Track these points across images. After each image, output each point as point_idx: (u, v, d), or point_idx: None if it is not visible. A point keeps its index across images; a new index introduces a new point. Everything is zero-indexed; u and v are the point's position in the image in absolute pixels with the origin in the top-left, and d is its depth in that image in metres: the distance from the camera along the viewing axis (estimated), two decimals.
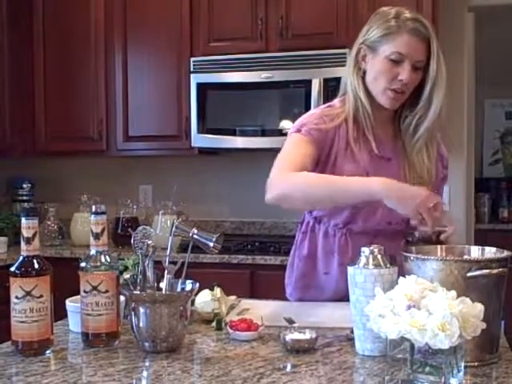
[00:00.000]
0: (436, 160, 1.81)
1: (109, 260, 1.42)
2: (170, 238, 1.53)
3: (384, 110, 1.76)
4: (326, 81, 3.09)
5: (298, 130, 1.73)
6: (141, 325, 1.35)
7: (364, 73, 1.74)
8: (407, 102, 1.76)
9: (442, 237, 1.57)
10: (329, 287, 1.81)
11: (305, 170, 1.64)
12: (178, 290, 1.45)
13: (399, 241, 1.76)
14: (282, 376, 1.20)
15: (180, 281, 1.46)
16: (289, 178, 1.64)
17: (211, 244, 1.57)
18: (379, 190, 1.54)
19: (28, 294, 1.32)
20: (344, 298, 1.63)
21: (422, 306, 1.11)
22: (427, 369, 1.11)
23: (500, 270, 1.26)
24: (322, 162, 1.73)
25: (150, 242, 1.45)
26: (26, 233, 1.35)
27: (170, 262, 1.47)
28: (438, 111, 1.71)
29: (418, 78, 1.70)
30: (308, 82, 3.13)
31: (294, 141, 1.72)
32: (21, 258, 1.35)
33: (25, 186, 3.83)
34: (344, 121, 1.75)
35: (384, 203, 1.55)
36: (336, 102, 1.83)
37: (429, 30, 1.68)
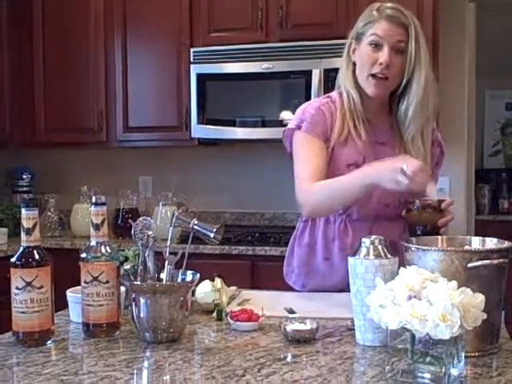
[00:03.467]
0: (434, 146, 1.86)
1: (109, 251, 1.42)
2: (171, 228, 1.53)
3: (374, 99, 1.79)
4: (326, 71, 3.08)
5: (299, 127, 1.80)
6: (141, 315, 1.35)
7: (354, 65, 1.80)
8: (397, 91, 1.79)
9: (443, 205, 1.63)
10: (329, 273, 1.83)
11: (321, 173, 1.74)
12: (179, 280, 1.45)
13: (400, 226, 1.79)
14: (282, 366, 1.21)
15: (180, 271, 1.47)
16: (310, 196, 1.75)
17: (212, 235, 1.57)
18: (372, 178, 1.62)
19: (29, 284, 1.32)
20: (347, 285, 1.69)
21: (423, 297, 1.11)
22: (428, 359, 1.11)
23: (501, 260, 1.26)
24: (329, 142, 1.79)
25: (150, 233, 1.45)
26: (26, 223, 1.35)
27: (170, 253, 1.47)
28: (422, 93, 1.73)
29: (399, 63, 1.72)
30: (308, 73, 3.12)
31: (301, 142, 1.80)
32: (21, 248, 1.35)
33: (25, 176, 3.82)
34: (340, 110, 1.81)
35: (382, 187, 1.61)
36: (334, 93, 1.87)
37: (407, 17, 1.71)
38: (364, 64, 1.75)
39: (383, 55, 1.70)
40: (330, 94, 1.89)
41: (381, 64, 1.71)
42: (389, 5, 1.74)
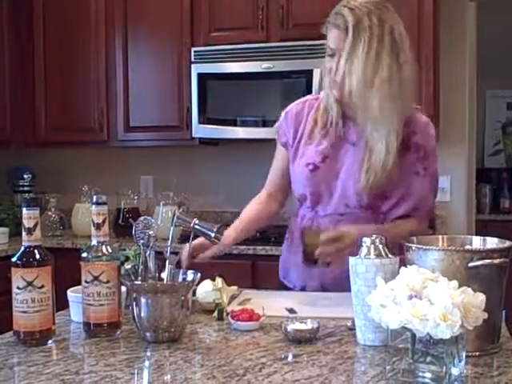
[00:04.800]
0: (410, 151, 1.77)
1: (110, 250, 1.42)
2: (171, 228, 1.53)
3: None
4: None
5: (276, 133, 1.97)
6: (142, 315, 1.35)
7: None
8: None
9: (322, 236, 1.65)
10: (305, 270, 1.84)
11: (272, 188, 1.99)
12: (180, 280, 1.45)
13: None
14: (283, 366, 1.21)
15: (181, 271, 1.47)
16: None
17: (212, 234, 1.57)
18: None
19: (29, 284, 1.33)
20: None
21: (424, 296, 1.11)
22: (428, 359, 1.11)
23: (501, 260, 1.26)
24: (290, 147, 1.90)
25: (151, 233, 1.45)
26: (27, 223, 1.35)
27: (171, 253, 1.47)
28: (358, 95, 1.70)
29: (342, 68, 1.72)
30: (309, 72, 3.12)
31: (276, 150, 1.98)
32: (22, 248, 1.35)
33: (26, 176, 3.82)
34: (316, 109, 1.87)
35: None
36: (323, 91, 1.90)
37: (348, 23, 1.68)
38: (326, 69, 1.78)
39: (334, 64, 1.73)
40: (322, 91, 1.90)
41: (333, 71, 1.74)
42: (339, 9, 1.72)
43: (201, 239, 1.74)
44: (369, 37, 1.67)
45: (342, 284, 1.54)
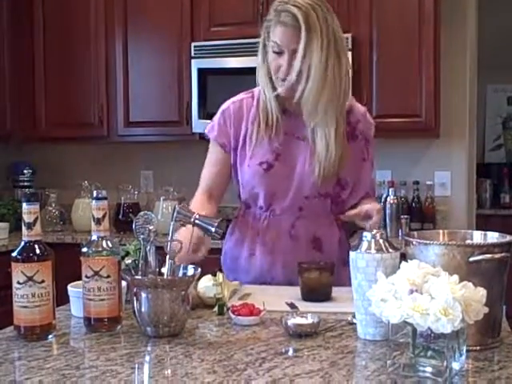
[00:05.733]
0: (357, 139, 1.85)
1: (110, 245, 1.42)
2: (172, 223, 1.52)
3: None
4: None
5: (209, 132, 1.92)
6: (143, 310, 1.35)
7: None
8: None
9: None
10: (254, 269, 1.87)
11: (210, 186, 1.91)
12: (180, 275, 1.45)
13: (326, 222, 1.86)
14: (284, 360, 1.21)
15: (181, 266, 1.46)
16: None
17: (213, 229, 1.57)
18: None
19: (30, 279, 1.32)
20: (267, 281, 1.85)
21: (425, 291, 1.11)
22: (429, 353, 1.11)
23: (502, 254, 1.26)
24: (233, 149, 1.87)
25: (151, 228, 1.45)
26: (27, 218, 1.35)
27: (171, 248, 1.47)
28: (309, 95, 1.71)
29: (298, 65, 1.71)
30: None
31: (209, 151, 1.93)
32: (22, 243, 1.35)
33: (26, 171, 3.83)
34: (256, 107, 1.85)
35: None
36: (257, 88, 1.89)
37: (299, 21, 1.68)
38: (271, 67, 1.77)
39: (283, 62, 1.72)
40: (255, 89, 1.90)
41: (282, 71, 1.73)
42: (286, 6, 1.71)
43: (196, 232, 1.66)
44: (320, 35, 1.69)
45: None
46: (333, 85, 1.73)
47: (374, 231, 1.35)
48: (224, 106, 1.92)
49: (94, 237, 1.42)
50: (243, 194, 1.90)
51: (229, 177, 1.92)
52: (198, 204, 1.85)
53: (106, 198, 1.43)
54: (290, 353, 1.27)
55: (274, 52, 1.74)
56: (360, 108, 1.91)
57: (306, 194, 1.83)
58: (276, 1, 1.77)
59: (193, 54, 3.35)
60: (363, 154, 1.88)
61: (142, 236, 1.45)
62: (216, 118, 1.92)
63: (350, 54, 2.95)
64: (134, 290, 1.36)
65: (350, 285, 1.36)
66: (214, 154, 1.92)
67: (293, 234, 1.85)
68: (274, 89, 1.79)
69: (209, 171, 1.93)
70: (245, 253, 1.90)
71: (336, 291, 1.69)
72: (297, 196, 1.83)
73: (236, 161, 1.88)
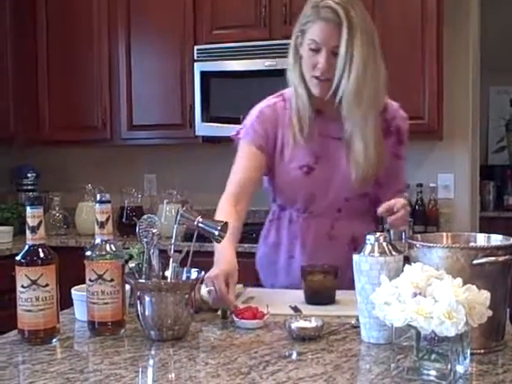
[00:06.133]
0: (389, 136, 1.83)
1: (114, 249, 1.42)
2: (175, 226, 1.52)
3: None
4: None
5: (238, 133, 1.88)
6: (146, 313, 1.35)
7: (302, 58, 1.78)
8: None
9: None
10: (293, 272, 1.84)
11: (240, 188, 1.81)
12: (184, 278, 1.45)
13: (365, 223, 1.84)
14: (287, 364, 1.21)
15: (185, 269, 1.46)
16: (216, 212, 1.81)
17: (216, 232, 1.57)
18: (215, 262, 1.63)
19: (34, 282, 1.33)
20: None
21: (428, 294, 1.11)
22: (433, 356, 1.11)
23: (506, 257, 1.26)
24: (270, 155, 1.83)
25: (154, 231, 1.45)
26: (31, 222, 1.35)
27: (174, 251, 1.47)
28: (352, 92, 1.69)
29: (342, 63, 1.69)
30: None
31: (239, 149, 1.87)
32: (26, 247, 1.35)
33: (29, 175, 3.83)
34: (288, 109, 1.83)
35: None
36: (287, 90, 1.87)
37: (340, 17, 1.67)
38: (306, 66, 1.75)
39: (321, 60, 1.70)
40: (284, 91, 1.89)
41: (319, 68, 1.71)
42: (326, 2, 1.69)
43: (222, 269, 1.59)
44: (360, 32, 1.67)
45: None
46: (372, 84, 1.71)
47: (378, 234, 1.35)
48: (256, 110, 1.88)
49: (98, 240, 1.42)
50: (280, 197, 1.89)
51: (261, 178, 1.87)
52: (227, 208, 1.80)
53: (109, 202, 1.43)
54: (294, 356, 1.27)
55: (311, 49, 1.71)
56: (393, 104, 1.87)
57: (345, 195, 1.82)
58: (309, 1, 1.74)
59: (195, 57, 3.36)
60: (397, 151, 1.87)
61: (145, 239, 1.45)
62: (250, 121, 1.87)
63: None
64: (138, 293, 1.36)
65: None
66: (248, 155, 1.84)
67: (332, 235, 1.84)
68: (308, 90, 1.77)
69: (240, 168, 1.84)
70: (283, 256, 1.89)
71: (339, 294, 1.69)
72: (336, 197, 1.82)
73: (273, 165, 1.85)
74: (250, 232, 3.07)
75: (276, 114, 1.85)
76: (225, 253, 1.64)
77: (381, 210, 1.66)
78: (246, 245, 2.97)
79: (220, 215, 1.75)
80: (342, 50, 1.67)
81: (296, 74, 1.78)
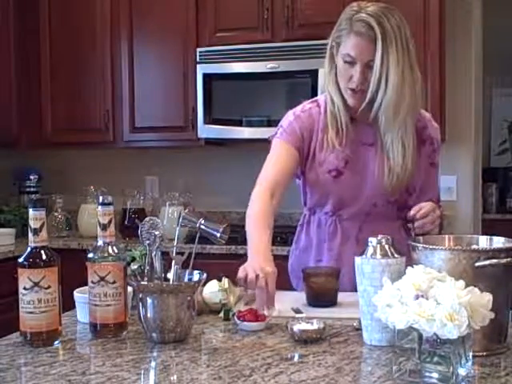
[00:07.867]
0: (425, 144, 1.86)
1: (116, 251, 1.42)
2: (177, 228, 1.53)
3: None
4: None
5: (276, 133, 1.88)
6: (148, 315, 1.35)
7: (336, 67, 1.79)
8: None
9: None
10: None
11: (275, 183, 1.80)
12: (186, 280, 1.45)
13: (390, 227, 1.80)
14: (289, 366, 1.21)
15: (187, 271, 1.47)
16: (250, 203, 1.83)
17: (218, 234, 1.57)
18: (249, 253, 1.68)
19: (36, 284, 1.33)
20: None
21: (430, 296, 1.11)
22: (435, 359, 1.11)
23: (508, 259, 1.25)
24: (303, 158, 1.85)
25: (157, 233, 1.45)
26: (33, 224, 1.35)
27: (177, 253, 1.47)
28: (390, 102, 1.70)
29: (377, 77, 1.70)
30: (314, 72, 3.11)
31: (273, 147, 1.87)
32: (29, 249, 1.36)
33: (32, 177, 3.83)
34: (323, 114, 1.84)
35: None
36: (321, 96, 1.90)
37: (375, 30, 1.66)
38: (341, 76, 1.76)
39: (356, 74, 1.71)
40: (318, 97, 1.91)
41: (354, 81, 1.72)
42: (359, 16, 1.69)
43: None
44: (395, 44, 1.67)
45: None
46: (409, 95, 1.71)
47: (380, 237, 1.35)
48: (293, 114, 1.88)
49: (100, 242, 1.42)
50: (311, 201, 1.90)
51: (294, 174, 1.87)
52: (261, 202, 1.79)
53: (111, 204, 1.44)
54: (296, 358, 1.27)
55: (346, 62, 1.72)
56: (425, 114, 1.91)
57: (375, 201, 1.83)
58: (348, 9, 1.74)
59: (198, 59, 3.36)
60: (430, 159, 1.89)
61: (147, 241, 1.45)
62: (286, 123, 1.87)
63: None
64: (140, 295, 1.37)
65: None
66: (283, 151, 1.84)
67: (359, 238, 1.83)
68: (343, 97, 1.78)
69: (275, 163, 1.84)
70: (312, 260, 1.90)
71: (341, 296, 1.69)
72: (366, 203, 1.83)
73: (305, 168, 1.86)
74: (281, 234, 3.07)
75: (312, 119, 1.86)
76: (267, 253, 1.67)
77: (411, 212, 1.69)
78: (273, 247, 2.98)
79: (257, 210, 1.78)
80: (377, 63, 1.67)
81: (331, 81, 1.80)
